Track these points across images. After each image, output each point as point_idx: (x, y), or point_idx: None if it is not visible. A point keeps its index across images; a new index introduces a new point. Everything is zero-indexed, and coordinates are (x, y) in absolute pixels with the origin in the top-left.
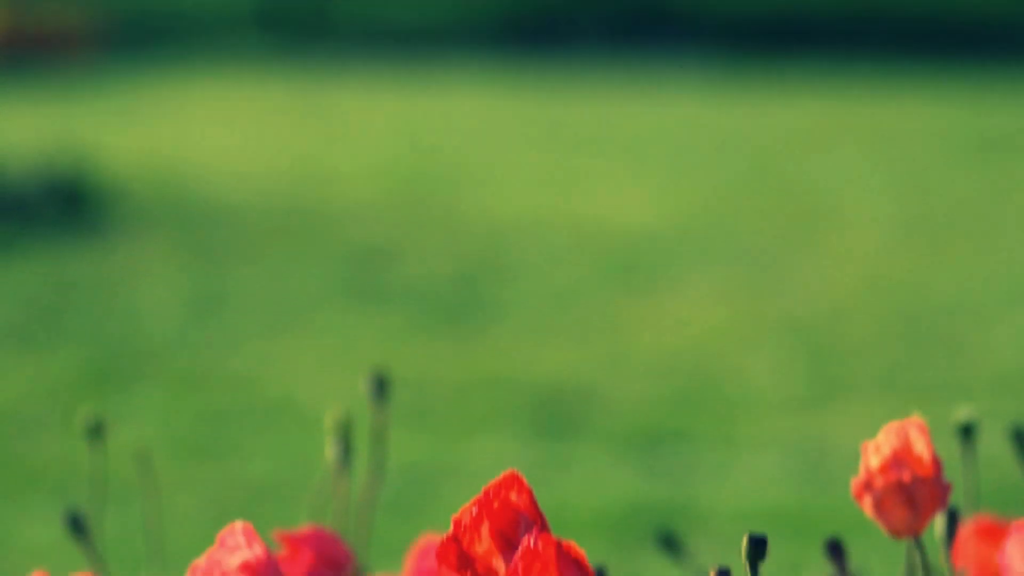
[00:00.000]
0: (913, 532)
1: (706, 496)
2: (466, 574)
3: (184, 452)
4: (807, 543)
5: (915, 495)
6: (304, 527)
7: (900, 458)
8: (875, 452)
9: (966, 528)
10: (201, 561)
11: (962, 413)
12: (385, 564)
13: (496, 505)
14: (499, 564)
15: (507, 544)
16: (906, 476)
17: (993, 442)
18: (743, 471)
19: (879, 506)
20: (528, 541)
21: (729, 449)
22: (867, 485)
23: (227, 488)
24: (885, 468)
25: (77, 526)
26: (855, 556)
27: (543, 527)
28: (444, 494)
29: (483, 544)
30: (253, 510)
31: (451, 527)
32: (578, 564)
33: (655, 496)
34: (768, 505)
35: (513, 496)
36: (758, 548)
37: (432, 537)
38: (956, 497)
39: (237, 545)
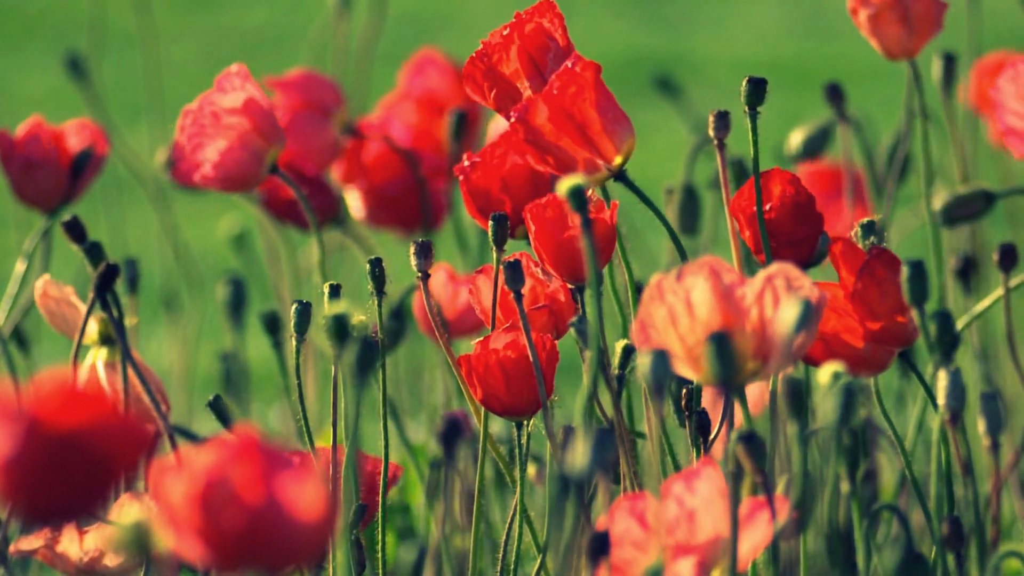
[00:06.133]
0: (907, 53)
1: (704, 47)
2: (489, 93)
3: (181, 2)
4: (806, 94)
5: (910, 11)
6: (294, 71)
7: None
8: None
9: (973, 69)
10: (194, 104)
11: None
12: None
13: (529, 29)
14: (524, 86)
15: (535, 69)
16: None
17: None
18: (741, 23)
19: (875, 21)
20: (567, 63)
21: (726, 1)
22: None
23: (225, 37)
24: None
25: (76, 68)
26: (854, 105)
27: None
28: (442, 43)
29: (511, 65)
30: (250, 60)
31: (480, 47)
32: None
33: (654, 46)
34: (767, 57)
35: (546, 22)
36: (757, 90)
37: (430, 51)
38: (959, 46)
39: (232, 87)
